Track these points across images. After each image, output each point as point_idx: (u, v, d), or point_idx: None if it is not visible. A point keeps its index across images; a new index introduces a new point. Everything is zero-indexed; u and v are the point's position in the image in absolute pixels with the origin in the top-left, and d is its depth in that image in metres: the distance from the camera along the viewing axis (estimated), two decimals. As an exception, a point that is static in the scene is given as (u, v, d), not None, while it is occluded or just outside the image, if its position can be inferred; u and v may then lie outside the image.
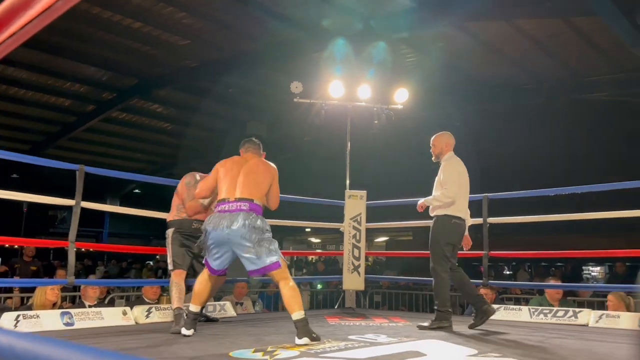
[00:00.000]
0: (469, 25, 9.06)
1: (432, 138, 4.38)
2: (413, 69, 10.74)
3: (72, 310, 3.93)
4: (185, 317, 3.56)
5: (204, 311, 4.28)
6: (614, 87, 10.59)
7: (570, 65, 10.38)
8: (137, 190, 20.35)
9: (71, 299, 5.92)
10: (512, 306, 5.14)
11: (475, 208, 5.36)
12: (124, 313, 4.11)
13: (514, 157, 12.57)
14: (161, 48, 10.16)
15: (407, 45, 9.99)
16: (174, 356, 2.83)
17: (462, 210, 4.15)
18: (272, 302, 7.90)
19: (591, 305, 5.68)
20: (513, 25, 8.88)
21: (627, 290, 5.11)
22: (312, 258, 14.69)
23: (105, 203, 14.43)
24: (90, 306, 4.58)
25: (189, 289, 4.01)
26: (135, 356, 2.54)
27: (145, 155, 17.57)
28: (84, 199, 4.17)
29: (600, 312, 4.52)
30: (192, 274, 4.07)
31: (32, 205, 13.46)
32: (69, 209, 4.15)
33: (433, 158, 4.36)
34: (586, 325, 4.34)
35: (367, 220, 5.76)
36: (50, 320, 3.69)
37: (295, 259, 16.72)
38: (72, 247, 4.01)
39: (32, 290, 5.10)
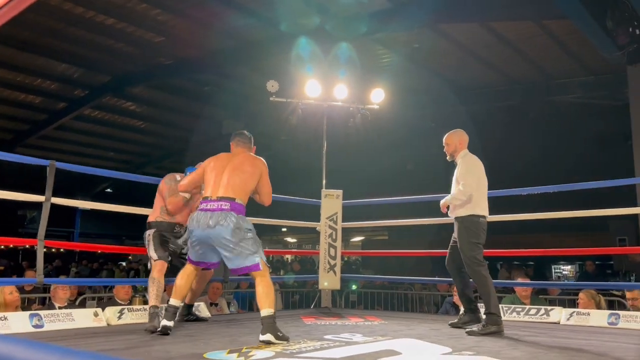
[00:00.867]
0: (444, 27, 9.17)
1: (445, 137, 4.22)
2: (389, 70, 10.81)
3: (42, 312, 3.83)
4: (165, 311, 3.50)
5: (193, 309, 4.33)
6: (584, 90, 10.84)
7: (542, 67, 10.59)
8: (109, 190, 20.03)
9: (41, 300, 5.79)
10: (485, 304, 5.19)
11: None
12: (96, 314, 4.03)
13: (487, 158, 12.75)
14: (135, 45, 10.01)
15: (382, 46, 10.06)
16: (147, 358, 2.78)
17: (484, 207, 4.00)
18: (247, 302, 7.87)
19: (562, 303, 5.79)
20: (487, 28, 9.02)
21: (596, 288, 5.24)
22: (288, 258, 14.67)
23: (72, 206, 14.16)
24: (60, 307, 4.48)
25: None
26: (109, 356, 2.49)
27: (118, 154, 17.32)
28: (54, 197, 4.06)
29: (571, 310, 4.60)
30: (171, 272, 4.03)
31: None
32: (38, 208, 4.04)
33: (447, 157, 4.20)
34: (558, 323, 4.42)
35: (343, 220, 5.77)
36: (18, 322, 3.59)
37: (272, 259, 16.68)
38: (41, 244, 3.90)
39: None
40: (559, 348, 3.20)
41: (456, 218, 4.00)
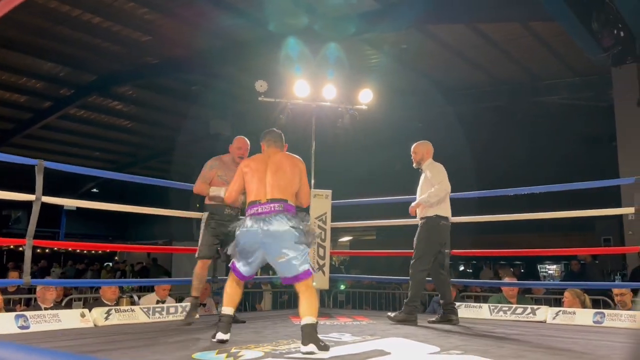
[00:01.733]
0: (432, 28, 9.22)
1: (413, 146, 4.57)
2: (377, 70, 10.84)
3: (28, 313, 3.79)
4: (219, 321, 3.23)
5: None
6: (570, 91, 10.96)
7: (529, 68, 10.69)
8: (95, 190, 19.85)
9: (26, 301, 5.72)
10: (472, 304, 5.24)
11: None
12: (82, 315, 3.99)
13: (474, 158, 12.84)
14: (122, 44, 9.94)
15: (371, 47, 10.08)
16: (135, 358, 2.77)
17: (448, 210, 4.34)
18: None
19: (548, 302, 5.85)
20: (474, 29, 9.08)
21: (581, 287, 5.30)
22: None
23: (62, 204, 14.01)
24: (46, 308, 4.43)
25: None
26: (96, 357, 2.47)
27: (104, 154, 17.18)
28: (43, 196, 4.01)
29: (557, 309, 4.65)
30: (217, 258, 4.42)
31: (-17, 204, 12.98)
32: (23, 208, 4.00)
33: (414, 164, 4.55)
34: (544, 322, 4.47)
35: (332, 220, 5.77)
36: (4, 323, 3.55)
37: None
38: (29, 244, 3.85)
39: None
40: (545, 346, 3.24)
41: (421, 218, 4.34)
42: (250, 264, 3.17)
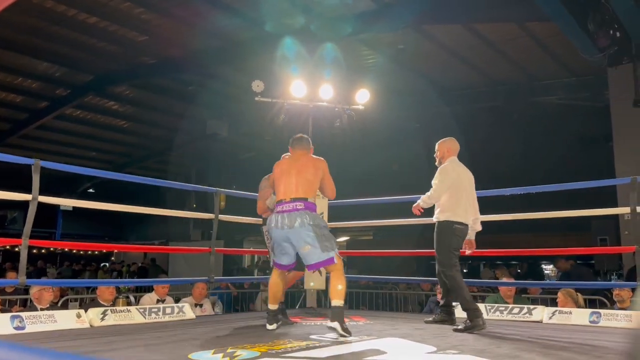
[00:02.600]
0: (428, 28, 9.23)
1: (437, 144, 4.44)
2: (374, 70, 10.84)
3: (23, 314, 3.77)
4: (267, 315, 3.84)
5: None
6: (566, 91, 10.98)
7: (525, 69, 10.71)
8: (91, 190, 19.81)
9: (22, 302, 5.70)
10: (469, 304, 5.23)
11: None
12: (78, 316, 3.98)
13: (471, 159, 12.86)
14: (118, 44, 9.92)
15: (367, 47, 10.08)
16: (130, 359, 2.76)
17: (461, 214, 4.12)
18: (232, 303, 7.84)
19: (544, 302, 5.86)
20: (470, 29, 9.09)
21: (575, 287, 5.31)
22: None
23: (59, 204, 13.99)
24: (42, 309, 4.41)
25: None
26: (94, 357, 2.46)
27: (100, 154, 17.15)
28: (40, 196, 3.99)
29: (553, 308, 4.66)
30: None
31: (-21, 204, 12.94)
32: (19, 208, 3.99)
33: (436, 163, 4.38)
34: (540, 322, 4.47)
35: (329, 220, 5.76)
36: (-1, 324, 3.54)
37: (258, 260, 16.61)
38: (25, 243, 3.84)
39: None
40: (541, 346, 3.24)
41: (436, 222, 4.20)
42: (285, 254, 3.68)
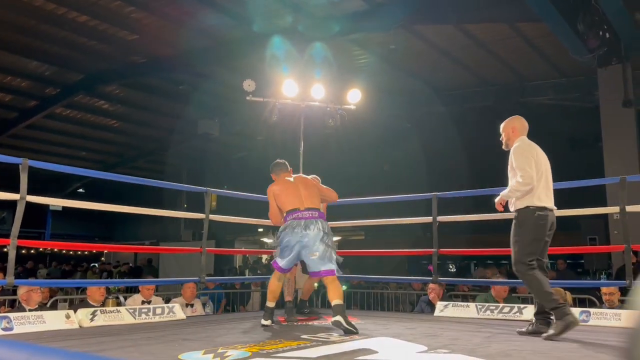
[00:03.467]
0: (419, 28, 9.24)
1: (501, 125, 3.95)
2: (366, 70, 10.85)
3: (11, 314, 3.74)
4: (264, 312, 4.21)
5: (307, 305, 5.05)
6: (556, 92, 11.05)
7: (516, 69, 10.76)
8: (81, 190, 19.67)
9: (11, 302, 5.65)
10: (460, 303, 5.26)
11: (425, 207, 5.47)
12: (67, 316, 3.95)
13: (462, 158, 12.90)
14: (108, 43, 9.85)
15: (359, 47, 10.09)
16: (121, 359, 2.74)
17: (544, 198, 3.58)
18: (222, 304, 7.80)
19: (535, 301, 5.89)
20: (462, 30, 9.12)
21: (564, 286, 5.35)
22: (265, 258, 14.60)
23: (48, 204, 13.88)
24: (31, 310, 4.37)
25: None
26: (86, 353, 2.44)
27: (90, 154, 17.03)
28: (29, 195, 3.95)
29: (543, 307, 4.68)
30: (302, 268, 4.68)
31: (-33, 205, 12.81)
32: (8, 208, 3.94)
33: (503, 146, 3.88)
34: (531, 321, 4.48)
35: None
36: (-14, 325, 3.50)
37: (249, 260, 16.57)
38: (13, 244, 3.80)
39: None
40: (532, 345, 3.25)
41: (515, 211, 3.65)
42: (287, 259, 4.02)
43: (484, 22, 8.83)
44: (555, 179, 3.86)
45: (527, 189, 3.53)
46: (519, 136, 3.81)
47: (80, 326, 3.93)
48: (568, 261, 8.73)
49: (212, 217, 5.44)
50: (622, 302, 5.22)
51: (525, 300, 5.93)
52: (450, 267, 15.26)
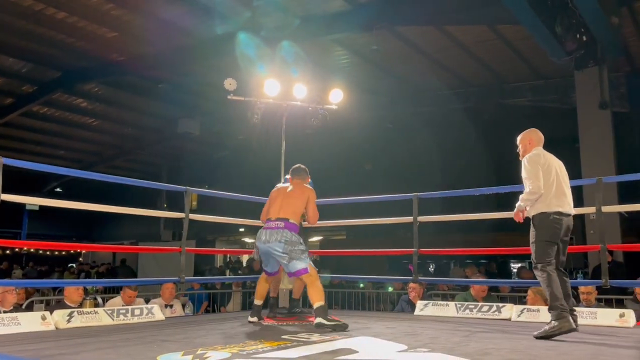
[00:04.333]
0: (402, 29, 9.29)
1: (518, 137, 4.09)
2: (348, 70, 10.87)
3: (-15, 317, 3.66)
4: (251, 309, 4.47)
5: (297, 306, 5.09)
6: (535, 93, 11.20)
7: (496, 71, 10.88)
8: (59, 189, 19.38)
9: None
10: (439, 302, 5.29)
11: (407, 207, 5.49)
12: (43, 318, 3.87)
13: (442, 159, 13.00)
14: (87, 40, 9.71)
15: (341, 47, 10.09)
16: (97, 362, 2.70)
17: (556, 204, 3.73)
18: (203, 306, 7.74)
19: (513, 300, 5.96)
20: (443, 31, 9.19)
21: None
22: (245, 257, 14.54)
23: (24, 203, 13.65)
24: (5, 311, 4.28)
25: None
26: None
27: (69, 153, 16.79)
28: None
29: (521, 306, 4.74)
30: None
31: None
32: (-19, 208, 3.85)
33: (520, 158, 4.00)
34: (509, 320, 4.54)
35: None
36: (-41, 327, 3.42)
37: (230, 259, 16.47)
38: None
39: None
40: (510, 344, 3.29)
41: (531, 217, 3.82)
42: (269, 264, 4.33)
43: (464, 24, 8.90)
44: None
45: (535, 197, 3.74)
46: (534, 147, 3.98)
47: (56, 328, 3.87)
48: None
49: (192, 216, 5.39)
50: (598, 300, 5.31)
51: (504, 299, 6.00)
52: (430, 266, 15.39)
